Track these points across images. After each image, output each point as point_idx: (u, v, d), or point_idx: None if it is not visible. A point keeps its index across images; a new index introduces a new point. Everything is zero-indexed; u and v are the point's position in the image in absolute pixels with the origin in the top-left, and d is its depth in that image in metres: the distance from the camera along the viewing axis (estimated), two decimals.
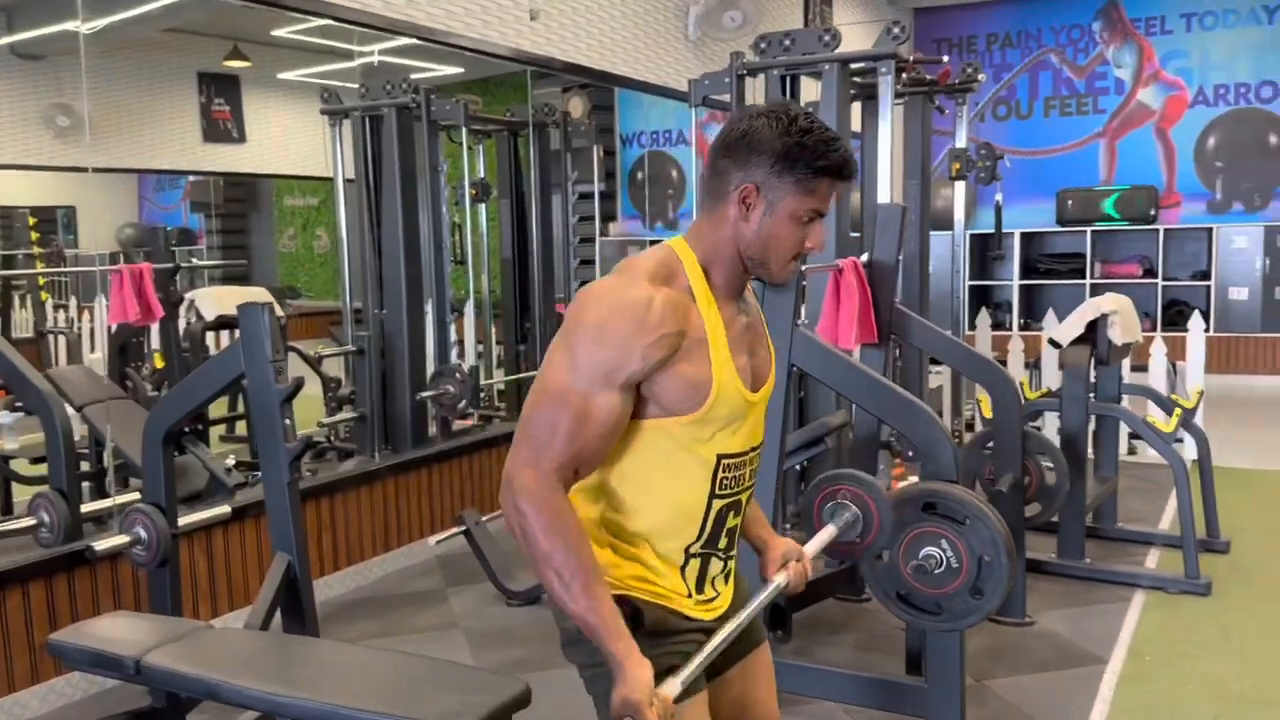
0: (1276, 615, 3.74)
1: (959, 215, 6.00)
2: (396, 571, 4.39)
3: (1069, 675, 3.26)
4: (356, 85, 5.11)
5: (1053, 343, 4.48)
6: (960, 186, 5.94)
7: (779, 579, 1.67)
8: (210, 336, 4.82)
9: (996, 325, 8.05)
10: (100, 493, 4.05)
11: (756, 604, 1.60)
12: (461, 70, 5.71)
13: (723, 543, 1.55)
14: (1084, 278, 9.34)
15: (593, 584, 1.37)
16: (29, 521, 3.38)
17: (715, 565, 1.56)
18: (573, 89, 7.84)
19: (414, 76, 5.08)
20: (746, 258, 1.49)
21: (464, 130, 5.58)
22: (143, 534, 3.01)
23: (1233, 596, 3.89)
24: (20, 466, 4.18)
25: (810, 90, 4.91)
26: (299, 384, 2.87)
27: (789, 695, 2.92)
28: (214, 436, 4.93)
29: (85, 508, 3.54)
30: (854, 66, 4.68)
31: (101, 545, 2.94)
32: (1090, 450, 4.43)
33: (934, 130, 5.93)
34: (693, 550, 1.52)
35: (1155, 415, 4.43)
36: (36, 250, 4.96)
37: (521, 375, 6.29)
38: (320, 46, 5.33)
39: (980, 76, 5.67)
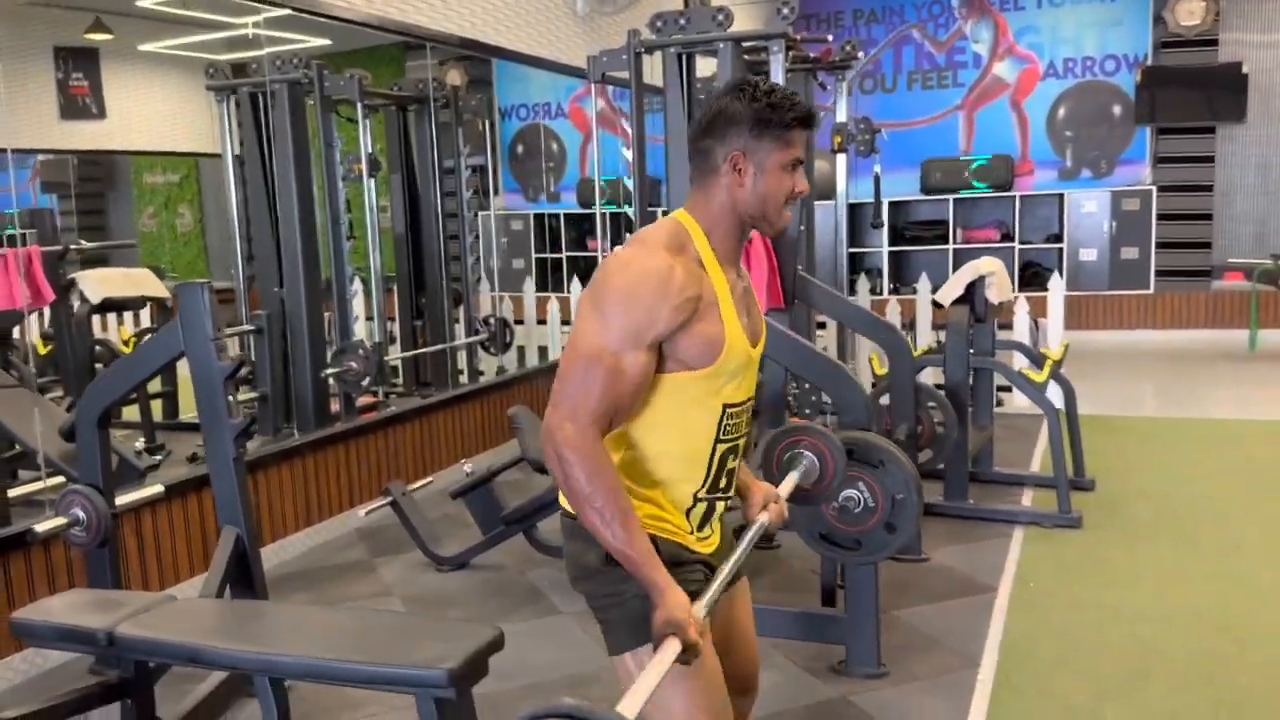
0: (1140, 544, 4.16)
1: (840, 187, 6.31)
2: (319, 545, 4.44)
3: (966, 603, 3.59)
4: (223, 58, 5.03)
5: (936, 303, 4.82)
6: (841, 159, 6.23)
7: (762, 519, 1.87)
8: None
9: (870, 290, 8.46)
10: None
11: (748, 540, 1.80)
12: (329, 42, 5.66)
13: (723, 483, 1.75)
14: (947, 243, 9.87)
15: (630, 522, 1.55)
16: None
17: (718, 507, 1.77)
18: (449, 61, 7.84)
19: (278, 49, 5.01)
20: (747, 216, 1.69)
21: (359, 106, 5.59)
22: (81, 515, 3.02)
23: (1101, 529, 4.30)
24: None
25: (705, 68, 5.10)
26: (241, 362, 2.93)
27: None
28: None
29: (12, 492, 3.51)
30: (746, 45, 4.89)
31: (42, 527, 2.95)
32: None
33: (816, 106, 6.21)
34: (700, 495, 1.72)
35: (1023, 366, 4.82)
36: None
37: (419, 351, 6.32)
38: (189, 18, 5.23)
39: (860, 54, 5.97)
